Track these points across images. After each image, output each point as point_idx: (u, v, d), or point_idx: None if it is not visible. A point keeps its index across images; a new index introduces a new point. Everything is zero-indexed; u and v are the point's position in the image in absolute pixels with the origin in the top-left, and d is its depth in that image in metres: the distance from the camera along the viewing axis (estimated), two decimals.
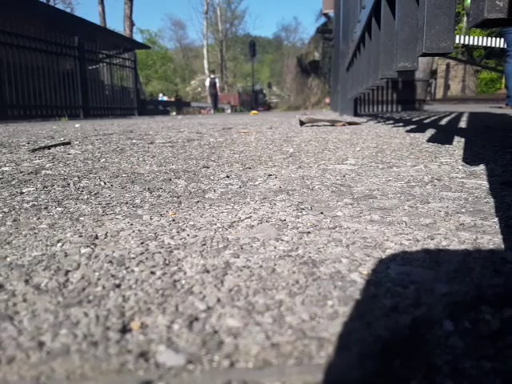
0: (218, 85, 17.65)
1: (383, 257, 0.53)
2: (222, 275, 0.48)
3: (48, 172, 1.19)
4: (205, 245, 0.59)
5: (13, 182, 1.04)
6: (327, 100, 14.95)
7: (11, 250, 0.57)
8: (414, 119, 3.65)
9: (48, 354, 0.34)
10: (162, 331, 0.37)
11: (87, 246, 0.58)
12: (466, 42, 9.98)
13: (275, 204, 0.81)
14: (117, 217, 0.73)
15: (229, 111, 19.55)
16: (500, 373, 0.31)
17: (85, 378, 0.32)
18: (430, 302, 0.41)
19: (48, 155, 1.53)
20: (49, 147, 1.75)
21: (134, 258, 0.54)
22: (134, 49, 11.66)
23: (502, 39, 9.29)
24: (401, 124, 2.95)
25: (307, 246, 0.58)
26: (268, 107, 24.90)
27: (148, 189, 0.96)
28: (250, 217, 0.72)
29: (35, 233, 0.65)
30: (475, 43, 9.85)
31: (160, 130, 2.68)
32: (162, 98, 22.62)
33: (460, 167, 1.17)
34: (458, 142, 1.71)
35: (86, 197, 0.89)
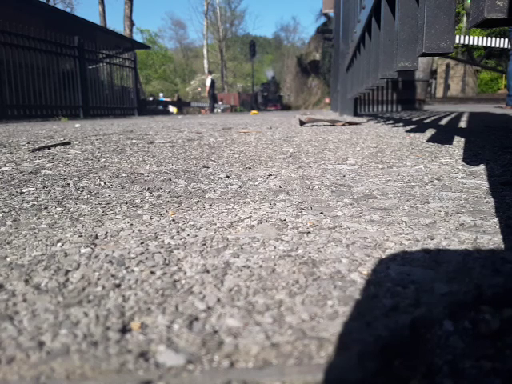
0: (208, 84, 15.90)
1: (383, 257, 0.53)
2: (222, 275, 0.48)
3: (48, 172, 1.19)
4: (205, 245, 0.59)
5: (13, 182, 1.04)
6: (327, 100, 14.95)
7: (11, 250, 0.57)
8: (414, 119, 3.65)
9: (48, 353, 0.34)
10: (162, 331, 0.37)
11: (87, 246, 0.58)
12: (466, 42, 9.99)
13: (275, 204, 0.81)
14: (117, 217, 0.73)
15: (219, 110, 18.46)
16: (500, 373, 0.31)
17: (85, 378, 0.32)
18: (430, 302, 0.41)
19: (48, 155, 1.53)
20: (49, 147, 1.75)
21: (133, 258, 0.54)
22: (133, 49, 11.67)
23: (503, 39, 9.30)
24: (401, 124, 2.95)
25: (307, 245, 0.58)
26: (282, 106, 20.39)
27: (148, 189, 0.96)
28: (249, 217, 0.72)
29: (35, 233, 0.65)
30: (475, 43, 9.85)
31: (160, 130, 2.68)
32: (161, 98, 22.55)
33: (460, 167, 1.17)
34: (458, 142, 1.71)
35: (85, 197, 0.89)
